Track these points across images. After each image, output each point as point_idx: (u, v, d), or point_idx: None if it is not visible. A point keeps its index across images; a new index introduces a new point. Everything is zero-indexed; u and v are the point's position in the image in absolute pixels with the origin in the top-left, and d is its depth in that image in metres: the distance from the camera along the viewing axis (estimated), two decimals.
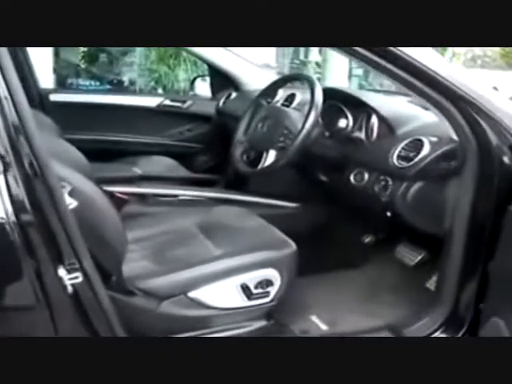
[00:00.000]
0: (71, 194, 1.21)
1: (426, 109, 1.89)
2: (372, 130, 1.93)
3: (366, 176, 1.86)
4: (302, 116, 1.94)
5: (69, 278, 1.12)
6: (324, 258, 2.23)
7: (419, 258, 2.17)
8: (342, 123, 2.02)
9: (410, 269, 2.18)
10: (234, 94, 3.04)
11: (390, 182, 1.76)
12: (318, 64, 6.65)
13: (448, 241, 1.69)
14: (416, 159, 1.67)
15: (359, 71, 7.39)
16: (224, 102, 3.05)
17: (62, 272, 1.12)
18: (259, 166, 1.96)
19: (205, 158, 3.18)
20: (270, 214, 2.20)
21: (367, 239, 2.41)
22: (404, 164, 1.70)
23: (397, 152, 1.74)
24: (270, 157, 1.95)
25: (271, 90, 2.18)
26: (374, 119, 1.92)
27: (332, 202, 2.25)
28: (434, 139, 1.68)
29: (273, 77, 3.10)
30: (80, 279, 1.13)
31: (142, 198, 2.24)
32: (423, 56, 1.39)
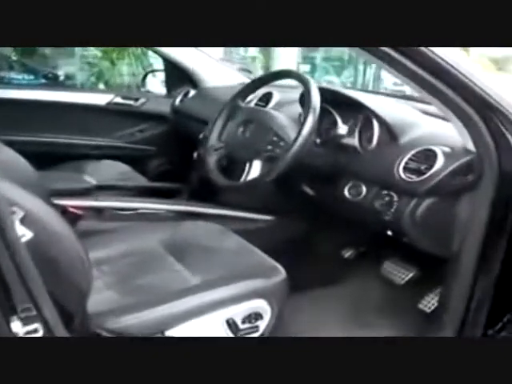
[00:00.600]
0: (23, 221, 0.93)
1: (429, 114, 1.69)
2: (371, 137, 1.68)
3: (364, 190, 1.63)
4: (293, 120, 1.70)
5: (26, 332, 0.86)
6: (301, 275, 1.99)
7: (410, 275, 1.98)
8: (336, 128, 1.77)
9: (399, 287, 1.99)
10: (192, 92, 2.78)
11: (396, 198, 1.54)
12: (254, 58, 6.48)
13: (456, 261, 1.49)
14: (429, 173, 1.44)
15: (306, 67, 7.23)
16: (181, 100, 2.78)
17: (16, 326, 0.86)
18: (242, 179, 1.68)
19: (159, 162, 2.90)
20: (242, 228, 1.98)
21: (348, 254, 2.20)
22: (414, 178, 1.47)
23: (403, 164, 1.51)
24: (255, 168, 1.68)
25: (251, 89, 1.90)
26: (375, 124, 1.67)
27: (313, 215, 2.02)
28: (447, 150, 1.46)
29: (234, 73, 2.89)
30: (40, 332, 0.87)
31: (97, 212, 1.92)
32: (449, 56, 1.19)
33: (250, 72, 3.01)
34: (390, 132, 1.62)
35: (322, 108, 1.74)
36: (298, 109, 1.94)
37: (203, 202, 2.11)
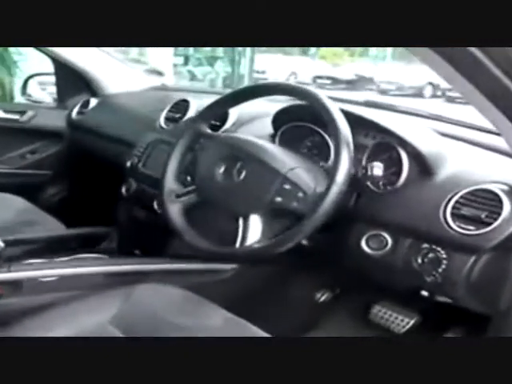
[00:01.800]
0: None
1: (459, 139, 1.38)
2: (398, 172, 1.29)
3: (390, 241, 1.26)
4: (292, 156, 1.28)
5: None
6: (269, 326, 1.62)
7: (412, 322, 1.66)
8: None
9: (399, 337, 1.67)
10: (93, 101, 2.25)
11: (444, 255, 1.18)
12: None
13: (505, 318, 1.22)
14: (496, 223, 1.11)
15: (179, 60, 6.78)
16: (79, 112, 2.25)
17: None
18: (240, 243, 1.20)
19: (56, 190, 2.36)
20: (200, 282, 1.55)
21: (323, 297, 1.84)
22: (472, 229, 1.12)
23: (450, 209, 1.17)
24: (255, 226, 1.20)
25: (220, 108, 1.43)
26: (402, 155, 1.29)
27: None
28: (507, 188, 1.15)
29: (141, 75, 2.40)
30: None
31: (15, 285, 1.35)
32: None
33: (160, 74, 2.53)
34: (423, 165, 1.26)
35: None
36: (265, 129, 1.55)
37: (150, 257, 1.61)
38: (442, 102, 11.85)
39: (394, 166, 1.28)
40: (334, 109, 1.16)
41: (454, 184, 1.20)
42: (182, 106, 1.84)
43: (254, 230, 1.19)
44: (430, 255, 1.19)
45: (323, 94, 1.19)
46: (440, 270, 1.18)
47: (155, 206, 1.70)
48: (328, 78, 11.76)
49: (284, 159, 1.22)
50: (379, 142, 1.31)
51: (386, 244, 1.26)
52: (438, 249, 1.19)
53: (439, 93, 12.06)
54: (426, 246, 1.20)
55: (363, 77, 12.80)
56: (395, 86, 12.16)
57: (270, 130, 1.54)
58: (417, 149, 1.26)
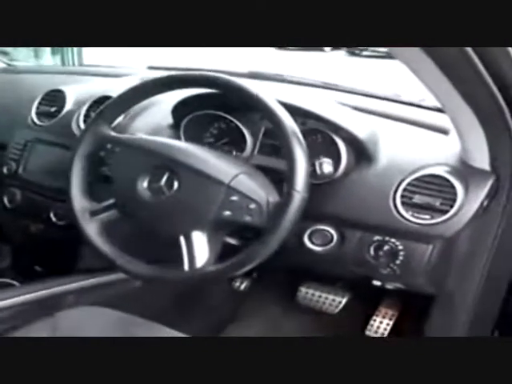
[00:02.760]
0: None
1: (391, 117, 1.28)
2: (338, 162, 1.16)
3: (335, 236, 1.17)
4: (227, 158, 1.11)
5: None
6: (192, 325, 1.52)
7: (344, 301, 1.61)
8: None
9: (334, 316, 1.62)
10: None
11: (401, 247, 1.12)
12: None
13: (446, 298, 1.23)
14: (452, 210, 1.04)
15: None
16: None
17: None
18: (189, 266, 1.00)
19: None
20: (114, 295, 1.43)
21: (242, 285, 1.73)
22: (426, 218, 1.05)
23: (399, 197, 1.09)
24: (200, 245, 1.01)
25: (128, 105, 1.17)
26: (339, 142, 1.16)
27: None
28: (460, 172, 1.07)
29: None
30: None
31: None
32: None
33: (6, 54, 2.16)
34: (361, 150, 1.15)
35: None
36: (165, 120, 1.36)
37: (58, 276, 1.38)
38: (344, 55, 11.82)
39: (329, 154, 1.17)
40: (272, 101, 1.00)
41: (397, 170, 1.11)
42: (57, 97, 1.59)
43: (200, 249, 1.02)
44: (385, 248, 1.12)
45: (255, 86, 1.03)
46: (398, 261, 1.11)
47: (52, 217, 1.46)
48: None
49: (222, 166, 1.04)
50: (309, 129, 1.19)
51: (332, 239, 1.16)
52: (393, 240, 1.11)
53: None
54: (378, 238, 1.12)
55: None
56: None
57: (169, 120, 1.35)
58: (352, 133, 1.14)
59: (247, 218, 0.98)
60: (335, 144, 1.16)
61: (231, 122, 1.29)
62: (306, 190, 0.95)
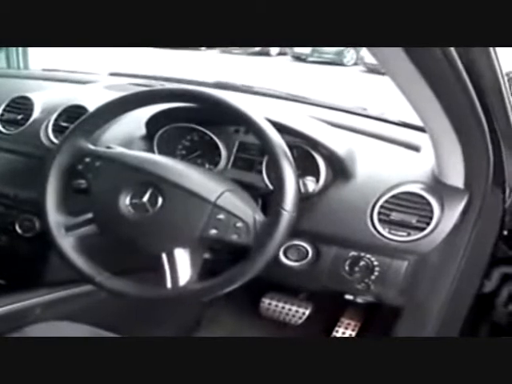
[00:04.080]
0: None
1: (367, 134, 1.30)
2: (318, 178, 1.16)
3: (310, 251, 1.16)
4: (211, 176, 1.10)
5: None
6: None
7: (307, 313, 1.62)
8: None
9: (296, 329, 1.63)
10: None
11: (376, 262, 1.13)
12: None
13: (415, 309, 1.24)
14: (429, 228, 1.06)
15: None
16: None
17: None
18: (171, 284, 0.99)
19: None
20: (82, 307, 1.39)
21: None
22: (403, 235, 1.08)
23: (376, 214, 1.10)
24: (182, 263, 0.99)
25: (107, 118, 1.13)
26: (319, 159, 1.16)
27: None
28: (428, 187, 1.12)
29: None
30: None
31: None
32: None
33: None
34: (339, 167, 1.16)
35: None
36: (138, 132, 1.34)
37: (23, 290, 1.33)
38: (290, 60, 11.60)
39: (307, 170, 1.18)
40: (259, 118, 1.00)
41: (374, 186, 1.13)
42: (22, 104, 1.52)
43: (182, 267, 1.00)
44: (361, 263, 1.13)
45: (239, 102, 1.02)
46: (373, 277, 1.13)
47: (18, 229, 1.41)
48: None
49: (207, 183, 1.03)
50: (287, 145, 1.19)
51: (307, 254, 1.17)
52: (368, 256, 1.13)
53: (287, 50, 11.74)
54: (353, 253, 1.14)
55: None
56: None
57: (142, 131, 1.33)
58: (331, 150, 1.16)
59: (233, 237, 0.97)
60: (313, 160, 1.17)
61: (205, 134, 1.28)
62: (295, 208, 0.95)
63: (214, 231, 0.98)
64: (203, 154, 1.30)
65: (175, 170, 1.04)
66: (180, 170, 1.04)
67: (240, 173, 1.25)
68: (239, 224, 0.97)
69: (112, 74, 1.83)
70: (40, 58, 2.12)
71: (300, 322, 1.62)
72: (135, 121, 1.33)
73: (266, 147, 0.99)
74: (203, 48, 10.97)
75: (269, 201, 1.14)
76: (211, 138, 1.27)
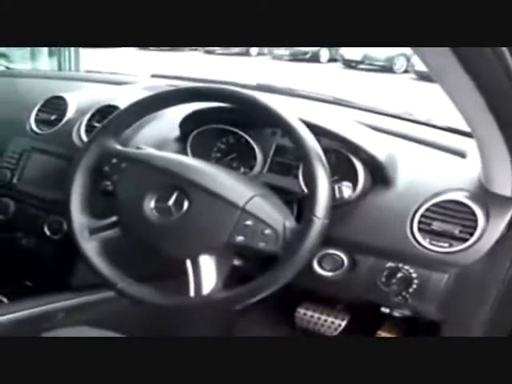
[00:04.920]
0: None
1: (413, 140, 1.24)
2: (355, 183, 1.10)
3: (346, 261, 1.11)
4: (241, 178, 1.07)
5: None
6: None
7: (343, 324, 1.56)
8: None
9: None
10: None
11: (414, 274, 1.06)
12: None
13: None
14: (472, 239, 1.00)
15: None
16: None
17: None
18: (195, 292, 0.95)
19: None
20: (100, 314, 1.36)
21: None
22: (445, 246, 1.01)
23: (416, 223, 1.04)
24: (207, 270, 0.95)
25: (136, 118, 1.10)
26: (357, 164, 1.11)
27: None
28: (474, 196, 1.05)
29: None
30: None
31: None
32: None
33: (3, 56, 2.10)
34: (379, 173, 1.11)
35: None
36: (171, 133, 1.31)
37: (49, 294, 1.31)
38: (340, 67, 11.60)
39: (344, 175, 1.12)
40: (294, 119, 0.96)
41: (415, 194, 1.07)
42: (57, 104, 1.52)
43: (207, 274, 0.96)
44: (398, 275, 1.07)
45: (276, 103, 0.98)
46: (410, 290, 1.07)
47: (46, 231, 1.40)
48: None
49: (236, 186, 0.98)
50: (324, 148, 1.14)
51: (342, 264, 1.11)
52: (406, 267, 1.07)
53: (338, 57, 11.73)
54: (391, 264, 1.08)
55: None
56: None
57: (175, 133, 1.30)
58: (371, 154, 1.10)
59: (261, 245, 0.93)
60: (352, 165, 1.11)
61: (241, 137, 1.24)
62: (327, 215, 0.90)
63: (240, 238, 0.93)
64: (238, 157, 1.26)
65: (202, 173, 1.00)
66: (208, 173, 1.01)
67: (276, 177, 1.20)
68: (267, 231, 0.92)
69: (153, 76, 1.82)
70: (91, 60, 2.14)
71: (335, 333, 1.55)
72: (169, 121, 1.31)
73: (299, 150, 0.94)
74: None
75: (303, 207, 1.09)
76: (247, 141, 1.23)
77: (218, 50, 12.46)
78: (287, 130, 0.95)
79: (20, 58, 2.18)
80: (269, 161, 1.22)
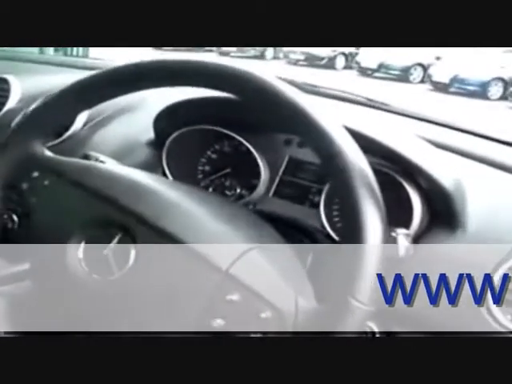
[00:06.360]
0: None
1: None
2: (408, 221, 0.73)
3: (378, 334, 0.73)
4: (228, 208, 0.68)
5: None
6: None
7: None
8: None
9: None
10: None
11: None
12: None
13: None
14: None
15: None
16: None
17: None
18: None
19: None
20: None
21: None
22: None
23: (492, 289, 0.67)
24: None
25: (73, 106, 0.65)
26: (413, 195, 0.73)
27: None
28: None
29: None
30: None
31: None
32: None
33: None
34: (443, 211, 0.73)
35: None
36: (143, 135, 0.95)
37: None
38: (356, 75, 11.51)
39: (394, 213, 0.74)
40: (327, 119, 0.55)
41: (493, 245, 0.70)
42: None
43: None
44: None
45: (303, 95, 0.58)
46: None
47: None
48: None
49: (218, 231, 0.58)
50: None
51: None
52: None
53: (353, 64, 11.72)
54: None
55: None
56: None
57: (149, 134, 0.94)
58: (435, 180, 0.72)
59: (254, 336, 0.53)
60: (404, 195, 0.73)
61: (240, 144, 0.88)
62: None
63: (219, 322, 0.53)
64: (234, 173, 0.91)
65: (165, 203, 0.60)
66: (175, 203, 0.60)
67: (286, 205, 0.85)
68: (264, 314, 0.53)
69: None
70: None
71: None
72: (140, 118, 0.93)
73: (330, 168, 0.54)
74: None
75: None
76: (248, 150, 0.87)
77: (233, 51, 12.45)
78: (315, 134, 0.54)
79: None
80: (277, 180, 0.87)
